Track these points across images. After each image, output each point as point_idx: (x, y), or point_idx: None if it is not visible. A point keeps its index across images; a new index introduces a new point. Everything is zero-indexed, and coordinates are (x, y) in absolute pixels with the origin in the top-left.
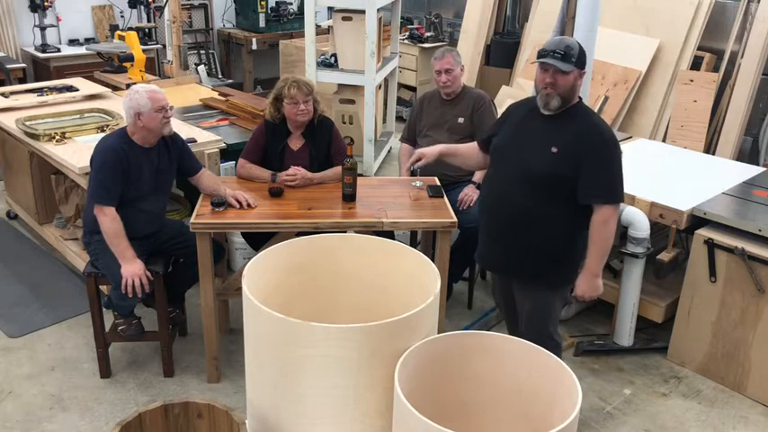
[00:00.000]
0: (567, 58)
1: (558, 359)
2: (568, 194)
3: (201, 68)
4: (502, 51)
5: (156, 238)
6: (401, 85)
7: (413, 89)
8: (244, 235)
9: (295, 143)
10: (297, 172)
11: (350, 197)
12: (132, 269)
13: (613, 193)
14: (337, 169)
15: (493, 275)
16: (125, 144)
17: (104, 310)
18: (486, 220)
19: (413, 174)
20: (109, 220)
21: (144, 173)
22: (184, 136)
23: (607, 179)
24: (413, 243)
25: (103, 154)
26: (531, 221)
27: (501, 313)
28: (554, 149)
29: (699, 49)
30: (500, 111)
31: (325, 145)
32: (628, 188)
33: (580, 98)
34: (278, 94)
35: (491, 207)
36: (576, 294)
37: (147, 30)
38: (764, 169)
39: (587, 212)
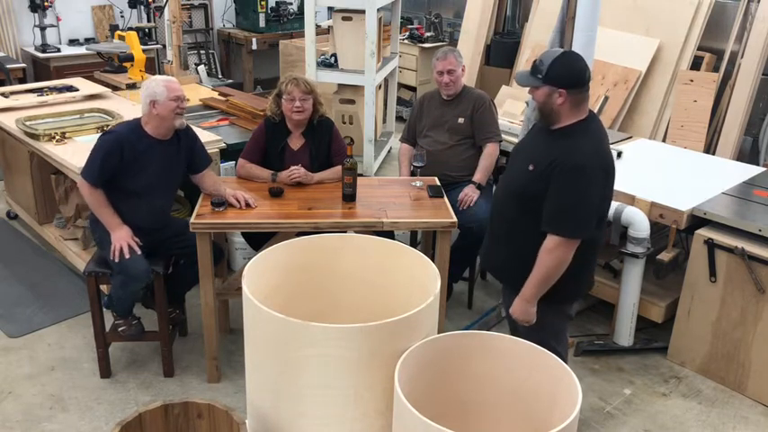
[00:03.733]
0: (535, 71)
1: (558, 359)
2: None
3: (201, 68)
4: (502, 51)
5: (160, 234)
6: (401, 85)
7: (413, 89)
8: (244, 235)
9: (295, 143)
10: (296, 171)
11: (350, 197)
12: (119, 234)
13: (561, 223)
14: (337, 169)
15: None
16: (133, 134)
17: (104, 310)
18: (490, 222)
19: (413, 174)
20: (88, 192)
21: (153, 164)
22: None
23: (560, 208)
24: (413, 243)
25: (106, 138)
26: (519, 233)
27: (504, 315)
28: (531, 167)
29: (699, 49)
30: (500, 111)
31: (326, 145)
32: (628, 188)
33: (587, 118)
34: (278, 91)
35: (493, 210)
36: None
37: (147, 30)
38: (764, 169)
39: None
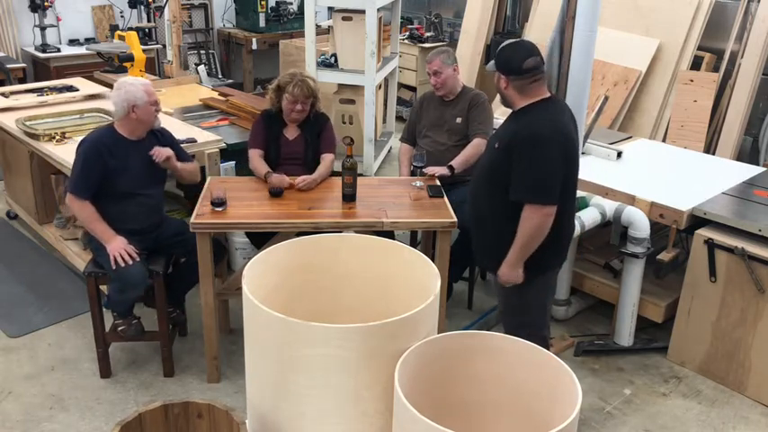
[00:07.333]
0: (492, 58)
1: (558, 359)
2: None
3: (201, 68)
4: None
5: (157, 234)
6: (401, 85)
7: (413, 89)
8: (247, 233)
9: (291, 132)
10: (304, 180)
11: (350, 197)
12: (115, 245)
13: (531, 191)
14: (326, 162)
15: None
16: (109, 138)
17: (104, 309)
18: (469, 206)
19: (413, 174)
20: (79, 207)
21: (134, 164)
22: (184, 136)
23: (526, 176)
24: (413, 243)
25: (83, 148)
26: (490, 215)
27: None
28: (496, 145)
29: (699, 49)
30: (499, 110)
31: (319, 135)
32: (628, 188)
33: (547, 99)
34: (282, 85)
35: (470, 194)
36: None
37: (147, 30)
38: (764, 169)
39: None
